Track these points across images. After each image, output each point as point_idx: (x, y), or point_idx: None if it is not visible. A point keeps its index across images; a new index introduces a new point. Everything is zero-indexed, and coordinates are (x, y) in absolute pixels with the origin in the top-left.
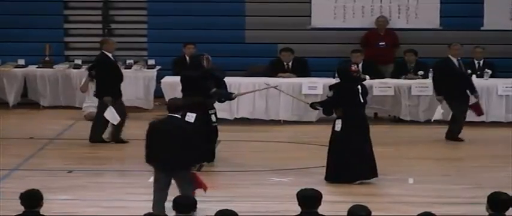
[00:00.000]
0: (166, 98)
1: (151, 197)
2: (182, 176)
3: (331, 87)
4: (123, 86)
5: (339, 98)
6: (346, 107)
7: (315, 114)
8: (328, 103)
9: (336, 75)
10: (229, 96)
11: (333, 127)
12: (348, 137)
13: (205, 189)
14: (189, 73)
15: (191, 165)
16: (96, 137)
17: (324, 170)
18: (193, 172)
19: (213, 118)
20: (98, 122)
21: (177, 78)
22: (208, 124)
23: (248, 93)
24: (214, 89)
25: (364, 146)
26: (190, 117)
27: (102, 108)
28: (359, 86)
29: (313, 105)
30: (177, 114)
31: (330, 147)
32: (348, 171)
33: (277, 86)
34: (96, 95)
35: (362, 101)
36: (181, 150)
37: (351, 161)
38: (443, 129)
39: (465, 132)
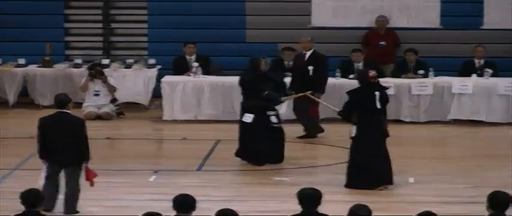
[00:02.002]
0: (164, 98)
1: (153, 197)
2: (72, 170)
3: (348, 92)
4: (122, 86)
5: (354, 103)
6: (361, 113)
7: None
8: (345, 109)
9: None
10: (278, 100)
11: (350, 133)
12: (364, 143)
13: (92, 184)
14: (245, 76)
15: (82, 159)
16: None
17: (324, 169)
18: (86, 166)
19: (273, 119)
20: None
21: (177, 78)
22: (266, 125)
23: (294, 97)
24: (266, 92)
25: (381, 152)
26: (248, 117)
27: None
28: (377, 92)
29: (340, 113)
30: (65, 109)
31: (349, 153)
32: (368, 177)
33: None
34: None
35: (379, 107)
36: (71, 145)
37: (369, 167)
38: (445, 128)
39: (466, 132)
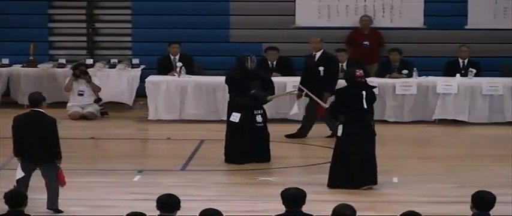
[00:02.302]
0: (149, 98)
1: (138, 197)
2: (46, 168)
3: (335, 91)
4: (107, 84)
5: (341, 102)
6: (348, 113)
7: (301, 112)
8: (331, 108)
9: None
10: (264, 99)
11: (337, 133)
12: (350, 143)
13: (62, 185)
14: (232, 73)
15: (55, 158)
16: None
17: (309, 169)
18: (57, 165)
19: (259, 118)
20: None
21: (161, 78)
22: (251, 124)
23: (280, 96)
24: (253, 91)
25: (366, 152)
26: (235, 116)
27: None
28: (364, 91)
29: (328, 112)
30: (38, 108)
31: (333, 153)
32: (350, 177)
33: (303, 91)
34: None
35: (365, 106)
36: (44, 143)
37: (352, 167)
38: (429, 128)
39: (450, 131)
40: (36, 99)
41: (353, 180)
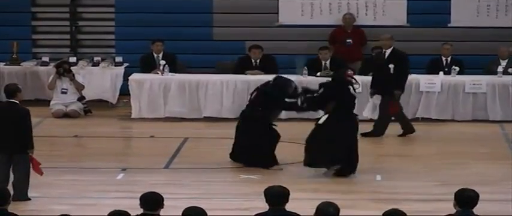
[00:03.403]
0: (132, 96)
1: (121, 195)
2: (18, 158)
3: (321, 85)
4: (90, 82)
5: (330, 95)
6: (338, 108)
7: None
8: (318, 100)
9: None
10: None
11: (317, 122)
12: (330, 126)
13: (40, 174)
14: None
15: (26, 148)
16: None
17: (292, 167)
18: (30, 156)
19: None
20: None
21: (144, 76)
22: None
23: None
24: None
25: (347, 138)
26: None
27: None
28: (350, 87)
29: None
30: (13, 99)
31: (310, 135)
32: (325, 155)
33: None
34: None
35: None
36: (16, 133)
37: (329, 146)
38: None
39: (433, 129)
40: (10, 90)
41: (327, 158)
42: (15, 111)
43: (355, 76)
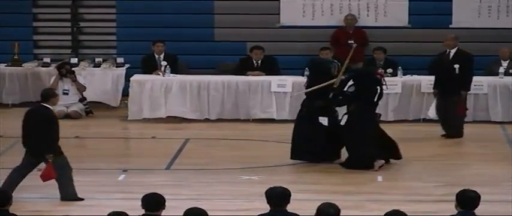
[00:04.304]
0: (133, 97)
1: (122, 195)
2: (41, 161)
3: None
4: (91, 84)
5: (358, 95)
6: (360, 104)
7: (286, 112)
8: (347, 97)
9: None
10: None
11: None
12: (356, 125)
13: (43, 179)
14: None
15: (50, 152)
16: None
17: (293, 168)
18: (49, 161)
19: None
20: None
21: (146, 77)
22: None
23: (318, 87)
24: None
25: (374, 132)
26: (323, 120)
27: None
28: (378, 87)
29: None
30: (46, 103)
31: (343, 135)
32: (364, 157)
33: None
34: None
35: (376, 101)
36: (39, 137)
37: (365, 146)
38: (414, 127)
39: (435, 130)
40: (45, 94)
41: (365, 158)
42: (44, 115)
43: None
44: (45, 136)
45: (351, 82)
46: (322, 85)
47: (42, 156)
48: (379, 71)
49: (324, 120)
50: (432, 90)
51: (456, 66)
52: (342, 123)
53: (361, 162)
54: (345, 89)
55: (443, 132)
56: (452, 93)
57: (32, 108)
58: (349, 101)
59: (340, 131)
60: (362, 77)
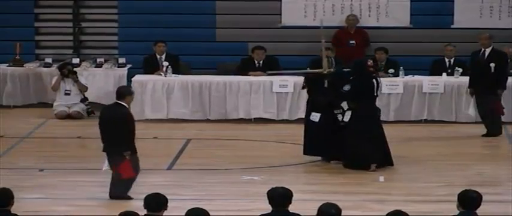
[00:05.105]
0: (135, 97)
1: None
2: (113, 159)
3: (351, 80)
4: (93, 85)
5: (357, 92)
6: (360, 101)
7: (286, 112)
8: (346, 97)
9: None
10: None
11: (342, 118)
12: (359, 125)
13: (122, 176)
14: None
15: (121, 150)
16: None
17: (294, 168)
18: (125, 157)
19: (340, 117)
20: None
21: (147, 77)
22: (334, 123)
23: (311, 71)
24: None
25: (376, 133)
26: (315, 116)
27: None
28: (374, 80)
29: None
30: (121, 101)
31: (345, 133)
32: (362, 157)
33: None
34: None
35: (376, 94)
36: (116, 135)
37: (365, 146)
38: (416, 127)
39: (436, 130)
40: (120, 92)
41: (364, 159)
42: (119, 113)
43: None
44: (122, 134)
45: (347, 85)
46: (309, 71)
47: (117, 154)
48: (369, 63)
49: (315, 117)
50: (467, 89)
51: (492, 65)
52: (346, 119)
53: (360, 161)
54: (343, 88)
55: (484, 132)
56: (488, 92)
57: (107, 107)
58: (346, 100)
59: (341, 128)
60: (357, 75)
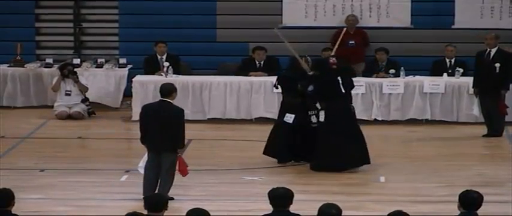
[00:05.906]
0: (134, 97)
1: (124, 196)
2: (166, 157)
3: (309, 80)
4: (93, 85)
5: (321, 91)
6: (329, 99)
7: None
8: (312, 97)
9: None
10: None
11: (317, 118)
12: (332, 126)
13: (184, 174)
14: (285, 73)
15: (176, 147)
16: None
17: (295, 168)
18: (179, 155)
19: (313, 119)
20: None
21: (148, 77)
22: (307, 125)
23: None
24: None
25: (350, 133)
26: (289, 118)
27: None
28: (339, 78)
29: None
30: (167, 98)
31: (317, 136)
32: (337, 160)
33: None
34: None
35: (344, 91)
36: (167, 132)
37: (338, 150)
38: (416, 127)
39: (437, 131)
40: (165, 90)
41: (339, 162)
42: (168, 110)
43: (358, 77)
44: (175, 131)
45: (311, 85)
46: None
47: (174, 152)
48: (332, 60)
49: (289, 118)
50: (472, 89)
51: (497, 65)
52: (321, 119)
53: (334, 163)
54: (308, 89)
55: (485, 133)
56: (492, 92)
57: (155, 105)
58: (313, 100)
59: (314, 129)
60: (319, 74)
